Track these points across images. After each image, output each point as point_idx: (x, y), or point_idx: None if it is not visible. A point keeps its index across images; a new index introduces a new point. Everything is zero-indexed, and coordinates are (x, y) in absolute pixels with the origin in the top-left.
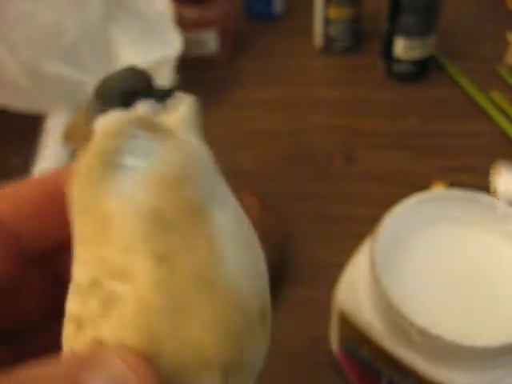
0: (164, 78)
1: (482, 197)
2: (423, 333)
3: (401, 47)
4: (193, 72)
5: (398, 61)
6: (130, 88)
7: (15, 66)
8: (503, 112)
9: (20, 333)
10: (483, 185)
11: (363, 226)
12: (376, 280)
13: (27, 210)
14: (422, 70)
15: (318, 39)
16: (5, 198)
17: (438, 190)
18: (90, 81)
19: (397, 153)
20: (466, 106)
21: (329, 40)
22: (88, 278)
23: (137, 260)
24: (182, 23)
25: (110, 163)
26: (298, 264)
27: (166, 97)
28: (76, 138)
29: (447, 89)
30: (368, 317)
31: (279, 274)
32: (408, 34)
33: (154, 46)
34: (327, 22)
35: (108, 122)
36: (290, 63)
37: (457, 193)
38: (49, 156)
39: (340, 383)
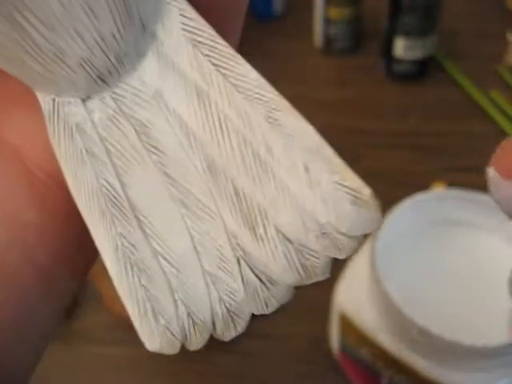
0: None
1: (482, 197)
2: (423, 333)
3: (401, 47)
4: None
5: (398, 61)
6: None
7: None
8: (503, 112)
9: None
10: (483, 185)
11: None
12: (376, 280)
13: None
14: (422, 69)
15: (318, 39)
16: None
17: (438, 190)
18: None
19: (397, 153)
20: (466, 106)
21: (329, 40)
22: None
23: None
24: None
25: None
26: None
27: None
28: None
29: (447, 89)
30: (368, 317)
31: None
32: (408, 33)
33: None
34: (327, 21)
35: None
36: (290, 63)
37: (457, 193)
38: None
39: (340, 383)
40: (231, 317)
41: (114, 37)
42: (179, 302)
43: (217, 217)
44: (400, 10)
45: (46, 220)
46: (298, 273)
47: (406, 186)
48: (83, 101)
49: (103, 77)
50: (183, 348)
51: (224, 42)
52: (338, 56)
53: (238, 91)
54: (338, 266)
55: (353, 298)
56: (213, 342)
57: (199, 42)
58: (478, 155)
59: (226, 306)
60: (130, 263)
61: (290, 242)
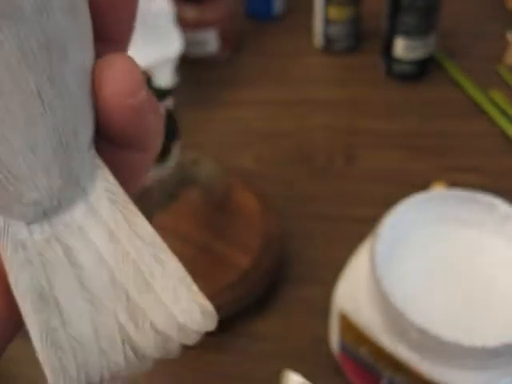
0: (164, 78)
1: (482, 197)
2: (423, 333)
3: (401, 47)
4: (193, 72)
5: (398, 61)
6: None
7: None
8: (503, 111)
9: None
10: (483, 185)
11: (363, 226)
12: (376, 280)
13: None
14: (422, 69)
15: (318, 39)
16: None
17: (438, 190)
18: None
19: (397, 153)
20: (466, 105)
21: (329, 40)
22: None
23: None
24: (182, 23)
25: None
26: (298, 264)
27: (166, 96)
28: None
29: (447, 89)
30: (368, 317)
31: (279, 274)
32: (408, 33)
33: (154, 45)
34: (327, 21)
35: None
36: (290, 63)
37: (457, 193)
38: None
39: (340, 383)
40: (114, 378)
41: (59, 189)
42: (81, 369)
43: (112, 313)
44: (400, 10)
45: None
46: (162, 352)
47: (406, 186)
48: (27, 224)
49: (47, 212)
50: (183, 349)
51: (132, 202)
52: (338, 56)
53: (137, 236)
54: (338, 266)
55: (353, 298)
56: (212, 343)
57: (115, 200)
58: (478, 155)
59: (110, 371)
60: (51, 341)
61: (160, 333)
